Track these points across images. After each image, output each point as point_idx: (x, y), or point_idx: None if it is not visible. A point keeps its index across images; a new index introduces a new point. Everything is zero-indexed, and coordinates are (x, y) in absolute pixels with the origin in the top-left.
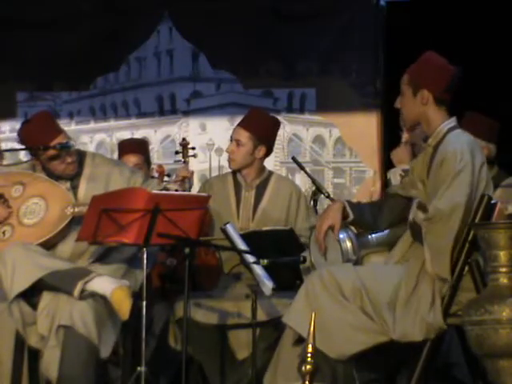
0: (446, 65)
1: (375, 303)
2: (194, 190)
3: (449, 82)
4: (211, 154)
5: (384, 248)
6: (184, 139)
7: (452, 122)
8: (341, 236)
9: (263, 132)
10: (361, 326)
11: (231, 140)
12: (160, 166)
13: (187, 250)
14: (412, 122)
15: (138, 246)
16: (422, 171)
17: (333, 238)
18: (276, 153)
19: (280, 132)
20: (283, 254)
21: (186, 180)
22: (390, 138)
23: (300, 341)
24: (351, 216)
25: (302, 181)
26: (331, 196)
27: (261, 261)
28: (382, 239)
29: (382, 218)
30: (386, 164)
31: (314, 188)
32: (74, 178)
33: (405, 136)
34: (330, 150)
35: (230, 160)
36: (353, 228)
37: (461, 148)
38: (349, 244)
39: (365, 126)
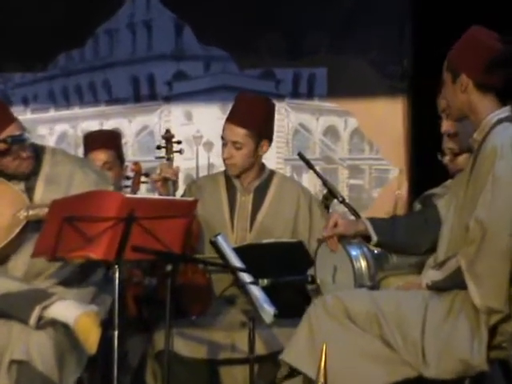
0: (489, 42)
1: (398, 331)
2: (178, 194)
3: (489, 62)
4: (198, 148)
5: (408, 270)
6: (168, 131)
7: (504, 111)
8: (353, 253)
9: (262, 123)
10: (380, 356)
11: (224, 142)
12: (136, 163)
13: (169, 268)
14: (457, 115)
15: (109, 262)
16: (463, 177)
17: (342, 253)
18: (279, 148)
19: (283, 122)
20: (289, 273)
21: (169, 181)
22: (419, 129)
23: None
24: (374, 238)
25: (310, 182)
26: (347, 201)
27: (260, 281)
28: (406, 259)
29: (424, 237)
30: (415, 161)
31: (325, 191)
32: (29, 178)
33: (444, 125)
34: (344, 144)
35: (228, 166)
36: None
37: (501, 143)
38: (363, 264)
39: (388, 115)
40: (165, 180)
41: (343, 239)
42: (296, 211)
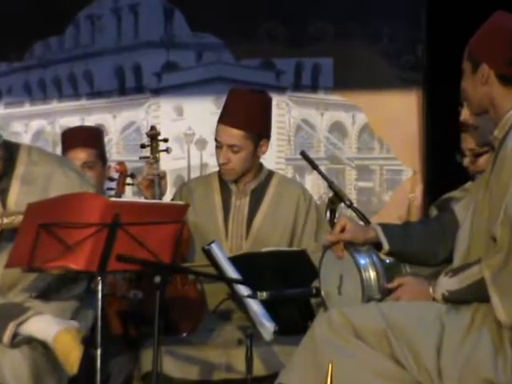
0: None
1: (411, 347)
2: (168, 197)
3: None
4: (190, 147)
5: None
6: (153, 128)
7: None
8: (361, 262)
9: (261, 121)
10: (392, 377)
11: (219, 145)
12: (121, 163)
13: (158, 279)
14: (477, 109)
15: (91, 273)
16: (483, 178)
17: (350, 262)
18: (279, 146)
19: (284, 118)
20: (290, 285)
21: (154, 183)
22: (435, 125)
23: None
24: (386, 246)
25: (313, 184)
26: (355, 205)
27: (258, 294)
28: (420, 269)
29: (440, 246)
30: (431, 161)
31: (330, 194)
32: (2, 179)
33: (463, 113)
34: (352, 141)
35: (225, 171)
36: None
37: None
38: (372, 274)
39: (401, 110)
40: (150, 182)
41: (351, 246)
42: (294, 216)
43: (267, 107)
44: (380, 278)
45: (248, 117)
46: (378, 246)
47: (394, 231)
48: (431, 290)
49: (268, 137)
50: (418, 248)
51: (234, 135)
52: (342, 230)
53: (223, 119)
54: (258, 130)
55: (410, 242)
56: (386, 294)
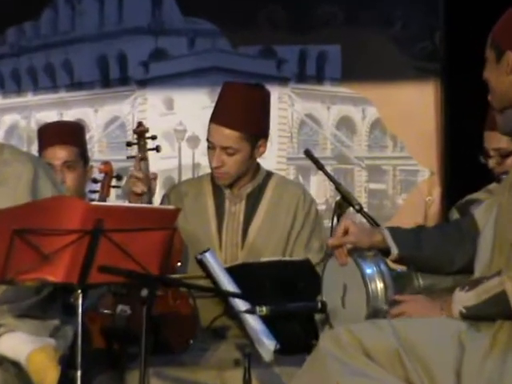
0: None
1: (427, 370)
2: (156, 202)
3: None
4: (181, 145)
5: (435, 295)
6: (140, 124)
7: None
8: (367, 271)
9: (258, 120)
10: None
11: (211, 145)
12: (106, 163)
13: (145, 293)
14: (501, 102)
15: (70, 286)
16: (507, 182)
17: (354, 270)
18: (280, 144)
19: (287, 112)
20: (292, 298)
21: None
22: (455, 120)
23: None
24: (395, 251)
25: (319, 187)
26: (365, 209)
27: (257, 309)
28: (436, 281)
29: (458, 253)
30: (450, 161)
31: (338, 198)
32: None
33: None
34: (362, 139)
35: (218, 176)
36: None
37: None
38: (379, 285)
39: (416, 103)
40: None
41: (355, 252)
42: (292, 221)
43: (265, 103)
44: (388, 290)
45: (244, 115)
46: (385, 252)
47: (404, 235)
48: (442, 308)
49: (266, 136)
50: (431, 253)
51: (229, 136)
52: (345, 233)
53: (216, 118)
54: (256, 129)
55: (422, 247)
56: (393, 306)
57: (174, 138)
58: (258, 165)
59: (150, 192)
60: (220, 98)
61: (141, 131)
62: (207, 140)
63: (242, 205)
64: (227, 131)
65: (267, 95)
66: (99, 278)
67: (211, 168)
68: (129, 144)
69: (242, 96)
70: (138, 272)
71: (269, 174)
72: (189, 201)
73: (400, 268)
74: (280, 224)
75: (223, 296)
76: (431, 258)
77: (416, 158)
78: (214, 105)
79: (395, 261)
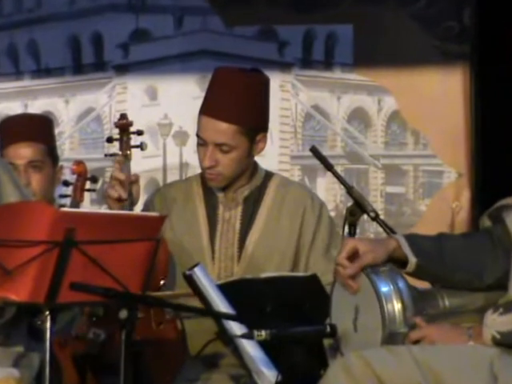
0: None
1: None
2: (138, 208)
3: None
4: (166, 141)
5: (469, 317)
6: (123, 116)
7: None
8: (382, 289)
9: (257, 111)
10: None
11: (201, 142)
12: (79, 162)
13: (124, 315)
14: None
15: (37, 306)
16: None
17: (367, 288)
18: (283, 140)
19: (290, 103)
20: (297, 321)
21: (124, 182)
22: (487, 113)
23: None
24: (413, 260)
25: (327, 190)
26: (381, 217)
27: (256, 333)
28: (465, 299)
29: (489, 265)
30: (481, 160)
31: (350, 203)
32: None
33: None
34: (378, 134)
35: (210, 177)
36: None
37: None
38: (397, 306)
39: (441, 93)
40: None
41: (367, 267)
42: (299, 230)
43: (264, 91)
44: (406, 311)
45: (240, 106)
46: (402, 263)
47: (423, 242)
48: (470, 335)
49: (266, 130)
50: (456, 265)
51: (223, 131)
52: (352, 256)
53: (207, 109)
54: (254, 122)
55: (445, 256)
56: (412, 328)
57: (158, 133)
58: (256, 164)
59: (132, 197)
60: (211, 86)
61: (124, 125)
62: (197, 135)
63: (238, 210)
64: (221, 125)
65: (266, 82)
66: (70, 297)
67: (202, 168)
68: (110, 140)
69: (237, 83)
70: (116, 290)
71: (269, 175)
72: (176, 206)
73: (421, 286)
74: (284, 232)
75: (216, 318)
76: (456, 269)
77: (441, 157)
78: (203, 94)
79: (413, 273)
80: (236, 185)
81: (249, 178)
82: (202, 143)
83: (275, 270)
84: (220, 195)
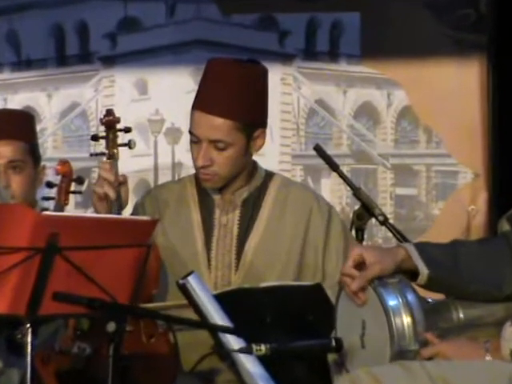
0: None
1: None
2: (127, 212)
3: None
4: (157, 139)
5: (486, 332)
6: (110, 112)
7: None
8: (390, 303)
9: (254, 104)
10: None
11: (195, 139)
12: (64, 162)
13: (112, 327)
14: None
15: (17, 318)
16: None
17: (374, 301)
18: (284, 138)
19: (291, 98)
20: (300, 334)
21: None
22: (506, 108)
23: None
24: (424, 271)
25: (332, 191)
26: (391, 221)
27: (255, 347)
28: (481, 312)
29: (509, 274)
30: (499, 160)
31: (357, 207)
32: None
33: None
34: (388, 131)
35: (205, 177)
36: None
37: None
38: (406, 320)
39: (456, 86)
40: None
41: (375, 280)
42: (305, 235)
43: (262, 83)
44: (417, 326)
45: (236, 99)
46: (412, 275)
47: (436, 250)
48: (487, 349)
49: (264, 125)
50: (472, 275)
51: (218, 126)
52: (359, 265)
53: (201, 104)
54: (251, 117)
55: (460, 266)
56: (424, 344)
57: (149, 130)
58: (255, 163)
59: (120, 200)
60: (204, 78)
61: (110, 122)
62: (190, 132)
63: (235, 214)
64: (215, 120)
65: (263, 73)
66: (53, 308)
67: (196, 167)
68: (95, 138)
69: (232, 75)
70: (103, 301)
71: (269, 175)
72: (168, 210)
73: (431, 298)
74: (287, 238)
75: (211, 331)
76: (472, 280)
77: (456, 156)
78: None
79: (425, 285)
80: (233, 186)
81: (247, 179)
82: (195, 140)
83: (277, 279)
84: (216, 197)
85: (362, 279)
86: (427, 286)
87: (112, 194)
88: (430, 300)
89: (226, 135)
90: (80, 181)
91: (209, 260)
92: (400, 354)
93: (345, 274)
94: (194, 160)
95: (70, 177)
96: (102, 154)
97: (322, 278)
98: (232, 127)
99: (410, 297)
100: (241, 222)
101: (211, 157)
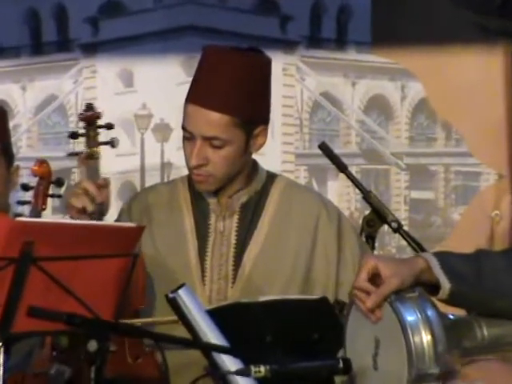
0: None
1: None
2: (111, 218)
3: None
4: (144, 137)
5: (507, 350)
6: (89, 106)
7: None
8: (408, 319)
9: (255, 98)
10: None
11: (188, 136)
12: (41, 162)
13: (93, 347)
14: None
15: None
16: None
17: (389, 317)
18: (286, 135)
19: (294, 90)
20: (303, 354)
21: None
22: None
23: None
24: (446, 285)
25: (340, 195)
26: (405, 228)
27: (253, 369)
28: (502, 330)
29: None
30: None
31: (367, 212)
32: None
33: None
34: (402, 127)
35: (199, 179)
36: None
37: None
38: (425, 337)
39: (479, 78)
40: (85, 193)
41: (392, 294)
42: (312, 245)
43: (265, 75)
44: (438, 344)
45: (235, 93)
46: (432, 288)
47: (458, 263)
48: None
49: (266, 122)
50: (498, 290)
51: (214, 122)
52: (373, 278)
53: (196, 97)
54: (251, 112)
55: (485, 279)
56: (446, 368)
57: (135, 126)
58: (256, 164)
59: (101, 205)
60: (200, 68)
61: (90, 117)
62: (183, 128)
63: (233, 220)
64: (211, 115)
65: (267, 63)
66: (28, 324)
67: (189, 167)
68: (74, 135)
69: (231, 65)
70: (84, 317)
71: (271, 177)
72: (158, 215)
73: (453, 314)
74: (291, 248)
75: (205, 350)
76: (498, 295)
77: (478, 156)
78: (190, 79)
79: (446, 300)
80: (231, 189)
81: (246, 181)
82: (188, 137)
83: (279, 293)
84: (212, 201)
85: (378, 296)
86: (448, 301)
87: (89, 205)
88: (451, 316)
89: (222, 132)
90: (59, 183)
91: (203, 271)
92: (418, 378)
93: (358, 287)
94: (187, 159)
95: (48, 178)
96: (81, 153)
97: (334, 294)
98: (230, 123)
99: (430, 312)
100: (239, 228)
101: (206, 155)
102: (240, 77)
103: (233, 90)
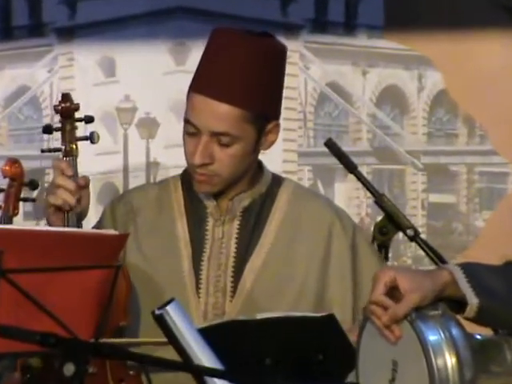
0: None
1: None
2: (90, 223)
3: None
4: (128, 132)
5: None
6: (66, 96)
7: None
8: (431, 339)
9: (269, 91)
10: None
11: (192, 130)
12: (13, 162)
13: (70, 370)
14: None
15: None
16: None
17: (409, 336)
18: (288, 131)
19: (297, 80)
20: (306, 377)
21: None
22: None
23: None
24: (474, 301)
25: (349, 198)
26: (422, 236)
27: None
28: None
29: None
30: None
31: (380, 218)
32: None
33: None
34: (419, 122)
35: (200, 178)
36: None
37: None
38: (450, 360)
39: (505, 66)
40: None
41: (413, 311)
42: (325, 258)
43: (280, 65)
44: (463, 367)
45: (248, 83)
46: (457, 303)
47: (487, 276)
48: None
49: (278, 117)
50: None
51: (224, 115)
52: (391, 291)
53: (202, 86)
54: (265, 105)
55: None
56: None
57: (117, 121)
58: (261, 164)
59: (80, 208)
60: (207, 53)
61: (67, 109)
62: (186, 121)
63: (233, 226)
64: (221, 107)
65: (282, 51)
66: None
67: (190, 166)
68: (47, 129)
69: (245, 51)
70: (60, 336)
71: (277, 180)
72: (145, 220)
73: (480, 334)
74: (299, 261)
75: (196, 374)
76: None
77: (505, 155)
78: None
79: (474, 318)
80: (233, 191)
81: (250, 182)
82: (192, 132)
83: (286, 309)
84: (210, 204)
85: (396, 312)
86: (475, 319)
87: (70, 198)
88: (478, 336)
89: (232, 127)
90: (33, 185)
91: (197, 283)
92: None
93: (374, 302)
94: (189, 156)
95: (20, 180)
96: (57, 150)
97: (352, 315)
98: (241, 117)
99: (455, 332)
100: (240, 235)
101: (212, 153)
102: (254, 64)
103: (246, 81)
